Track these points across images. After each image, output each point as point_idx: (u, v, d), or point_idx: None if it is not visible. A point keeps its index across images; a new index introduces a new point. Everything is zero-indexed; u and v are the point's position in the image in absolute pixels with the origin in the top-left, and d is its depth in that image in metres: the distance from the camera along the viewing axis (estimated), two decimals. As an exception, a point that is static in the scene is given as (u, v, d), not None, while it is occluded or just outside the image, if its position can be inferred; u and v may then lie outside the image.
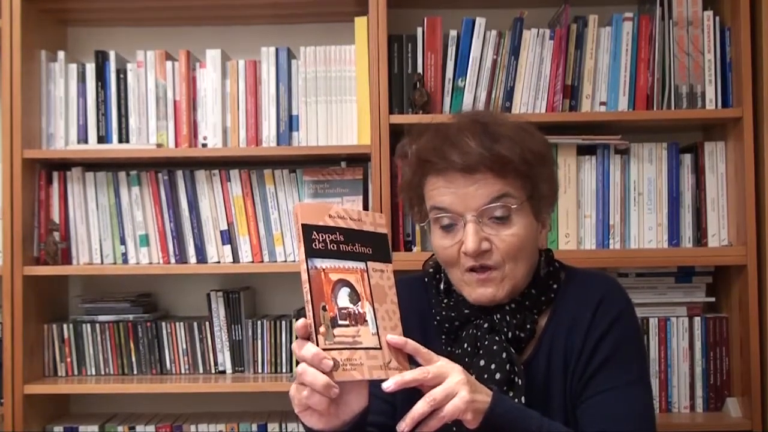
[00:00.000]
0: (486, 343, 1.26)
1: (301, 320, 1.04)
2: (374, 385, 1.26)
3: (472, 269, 1.25)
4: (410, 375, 1.04)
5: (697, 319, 2.11)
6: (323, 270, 1.05)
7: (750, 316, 2.00)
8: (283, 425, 2.15)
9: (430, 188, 1.29)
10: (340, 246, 1.08)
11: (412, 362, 1.09)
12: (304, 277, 1.04)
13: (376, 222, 1.13)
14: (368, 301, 1.08)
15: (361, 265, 1.09)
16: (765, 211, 2.01)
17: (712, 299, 2.14)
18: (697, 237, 2.10)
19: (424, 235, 2.11)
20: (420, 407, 1.02)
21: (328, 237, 1.07)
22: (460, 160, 1.22)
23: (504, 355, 1.24)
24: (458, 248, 1.25)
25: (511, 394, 1.22)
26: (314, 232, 1.06)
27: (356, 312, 1.06)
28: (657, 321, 2.10)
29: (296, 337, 1.06)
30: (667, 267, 2.12)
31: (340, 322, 1.05)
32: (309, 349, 1.01)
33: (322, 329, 1.03)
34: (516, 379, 1.23)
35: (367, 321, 1.07)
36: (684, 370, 2.09)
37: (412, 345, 1.07)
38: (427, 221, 1.31)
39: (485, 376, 1.23)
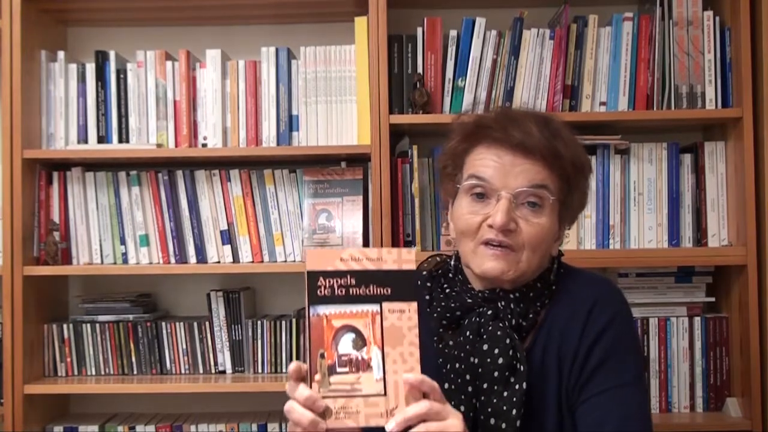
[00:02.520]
0: (490, 329, 1.26)
1: (294, 363, 1.06)
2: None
3: (488, 242, 1.25)
4: (413, 410, 1.04)
5: (697, 319, 2.11)
6: (326, 316, 1.05)
7: (750, 316, 2.00)
8: (283, 425, 2.15)
9: (474, 157, 1.29)
10: (350, 290, 1.06)
11: None
12: (306, 324, 1.05)
13: (402, 258, 1.09)
14: (377, 346, 1.06)
15: (373, 307, 1.07)
16: (765, 211, 2.01)
17: (712, 299, 2.14)
18: (697, 237, 2.10)
19: (424, 235, 2.11)
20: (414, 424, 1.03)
21: (337, 282, 1.06)
22: (520, 136, 1.25)
23: (507, 340, 1.24)
24: (482, 219, 1.26)
25: (512, 379, 1.23)
26: (320, 278, 1.06)
27: (359, 358, 1.05)
28: (657, 321, 2.10)
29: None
30: (667, 267, 2.12)
31: (338, 370, 1.05)
32: (302, 392, 1.03)
33: (317, 377, 1.04)
34: (518, 365, 1.23)
35: (371, 367, 1.05)
36: (684, 370, 2.09)
37: (428, 383, 1.07)
38: (456, 191, 1.31)
39: (488, 360, 1.24)
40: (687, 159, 2.12)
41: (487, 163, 1.27)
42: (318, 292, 1.06)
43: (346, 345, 1.05)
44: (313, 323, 1.05)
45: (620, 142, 2.09)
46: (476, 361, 1.25)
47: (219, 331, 2.19)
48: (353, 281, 1.07)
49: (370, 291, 1.07)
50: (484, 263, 1.26)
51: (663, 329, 2.10)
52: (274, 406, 2.24)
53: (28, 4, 2.11)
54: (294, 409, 1.04)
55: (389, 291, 1.08)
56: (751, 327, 2.00)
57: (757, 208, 2.02)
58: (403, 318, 1.08)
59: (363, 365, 1.05)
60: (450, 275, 1.37)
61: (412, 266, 1.09)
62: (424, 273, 1.40)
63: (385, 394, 1.05)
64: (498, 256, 1.25)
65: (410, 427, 1.04)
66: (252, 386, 2.11)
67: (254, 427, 2.17)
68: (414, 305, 1.08)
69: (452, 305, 1.31)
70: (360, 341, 1.06)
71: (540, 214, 1.26)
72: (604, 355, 1.25)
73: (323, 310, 1.05)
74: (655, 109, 2.07)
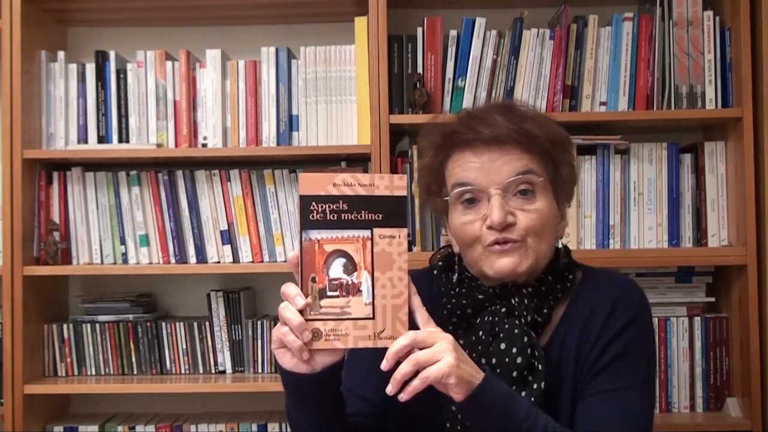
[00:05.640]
0: (506, 327, 1.24)
1: (287, 284, 1.09)
2: (362, 387, 1.26)
3: (495, 242, 1.23)
4: (398, 344, 1.06)
5: (697, 319, 2.11)
6: (317, 241, 1.08)
7: (750, 316, 2.00)
8: (283, 425, 2.15)
9: (453, 165, 1.28)
10: (342, 215, 1.08)
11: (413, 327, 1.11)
12: (298, 248, 1.08)
13: (394, 185, 1.10)
14: (367, 271, 1.08)
15: (364, 233, 1.09)
16: (765, 211, 2.01)
17: (712, 299, 2.14)
18: (697, 237, 2.10)
19: (425, 235, 2.11)
20: (403, 368, 1.05)
21: (329, 207, 1.08)
22: (488, 131, 1.23)
23: (525, 339, 1.22)
24: (481, 224, 1.24)
25: (530, 378, 1.21)
26: (313, 203, 1.08)
27: (349, 283, 1.08)
28: (657, 321, 2.09)
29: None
30: (667, 267, 2.12)
31: (329, 294, 1.08)
32: (300, 302, 1.07)
33: (308, 300, 1.07)
34: (536, 364, 1.21)
35: (361, 291, 1.08)
36: (684, 370, 2.09)
37: (417, 299, 1.10)
38: (445, 205, 1.29)
39: (506, 360, 1.22)
40: (687, 159, 2.12)
41: (466, 167, 1.25)
42: (310, 216, 1.08)
43: (336, 269, 1.08)
44: (305, 248, 1.08)
45: (620, 142, 2.09)
46: (493, 361, 1.23)
47: (219, 331, 2.19)
48: (345, 206, 1.09)
49: (361, 216, 1.09)
50: (495, 263, 1.24)
51: (663, 329, 2.10)
52: (274, 406, 2.24)
53: (28, 4, 2.11)
54: (287, 307, 1.07)
55: (380, 217, 1.09)
56: (751, 327, 2.00)
57: (757, 208, 2.02)
58: (393, 244, 1.10)
59: (353, 289, 1.08)
60: (457, 271, 1.34)
61: (404, 192, 1.11)
62: (440, 263, 1.37)
63: (374, 317, 1.08)
64: (507, 252, 1.23)
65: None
66: (252, 386, 2.11)
67: (254, 427, 2.17)
68: (404, 231, 1.10)
69: (463, 302, 1.28)
70: (351, 266, 1.08)
71: (534, 199, 1.24)
72: (617, 353, 1.23)
73: (315, 234, 1.08)
74: (655, 109, 2.07)
